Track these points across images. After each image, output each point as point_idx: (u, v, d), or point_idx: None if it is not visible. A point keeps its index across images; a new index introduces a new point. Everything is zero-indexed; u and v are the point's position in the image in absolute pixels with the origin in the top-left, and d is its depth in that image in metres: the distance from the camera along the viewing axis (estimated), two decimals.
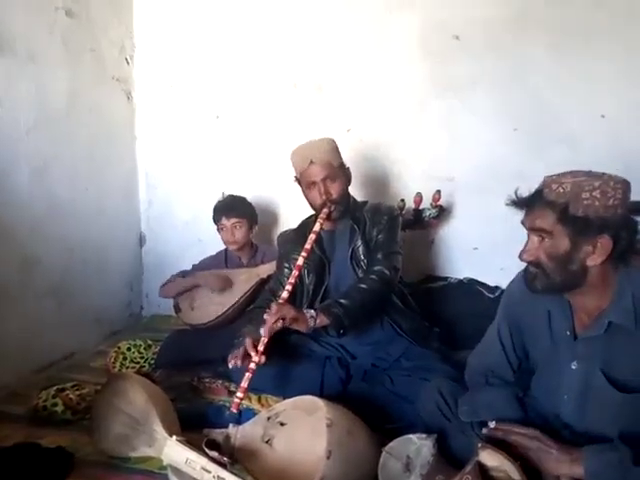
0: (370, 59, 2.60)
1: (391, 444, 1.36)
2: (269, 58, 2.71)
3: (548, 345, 1.29)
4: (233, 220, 2.40)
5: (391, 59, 2.57)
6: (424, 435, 1.33)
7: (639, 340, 1.14)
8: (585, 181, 1.10)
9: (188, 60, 2.82)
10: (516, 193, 1.21)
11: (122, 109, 2.83)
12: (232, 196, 2.50)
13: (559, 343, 1.26)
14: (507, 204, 1.21)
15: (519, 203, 1.20)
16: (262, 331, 1.65)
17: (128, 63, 2.84)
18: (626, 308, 1.14)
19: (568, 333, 1.23)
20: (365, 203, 2.03)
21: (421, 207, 2.40)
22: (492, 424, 1.22)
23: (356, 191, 2.21)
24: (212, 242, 2.52)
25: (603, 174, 1.14)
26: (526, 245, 1.20)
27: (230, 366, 1.65)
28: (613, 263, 1.15)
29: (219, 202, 2.48)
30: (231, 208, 2.42)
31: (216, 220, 2.45)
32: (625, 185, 1.12)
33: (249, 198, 2.52)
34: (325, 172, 1.86)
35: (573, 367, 1.22)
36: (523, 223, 1.21)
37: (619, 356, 1.16)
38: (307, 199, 1.94)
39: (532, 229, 1.18)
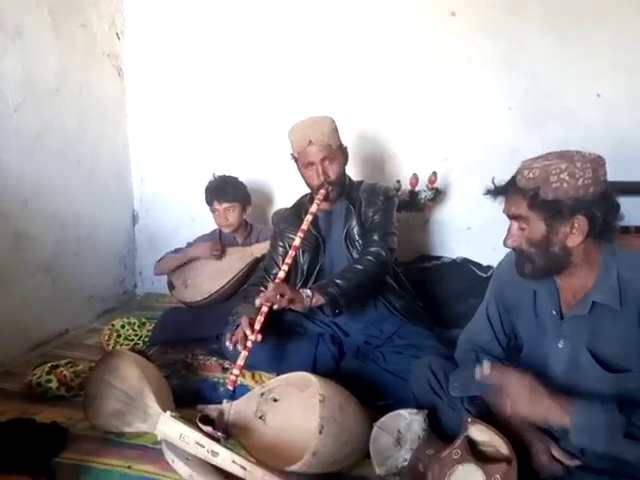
0: (365, 36, 2.56)
1: (382, 419, 1.38)
2: (263, 35, 2.67)
3: (534, 324, 1.31)
4: (225, 204, 2.37)
5: (386, 36, 2.54)
6: (415, 410, 1.36)
7: (623, 319, 1.15)
8: (553, 164, 1.11)
9: (180, 35, 2.77)
10: (493, 181, 1.23)
11: (113, 85, 2.78)
12: (223, 178, 2.44)
13: (545, 322, 1.28)
14: (484, 194, 1.23)
15: (494, 192, 1.21)
16: (257, 301, 1.65)
17: (119, 38, 2.79)
18: (611, 287, 1.15)
19: (554, 312, 1.24)
20: (361, 183, 2.02)
21: (417, 189, 2.40)
22: (486, 365, 1.20)
23: (351, 170, 2.20)
24: (205, 220, 2.51)
25: (575, 154, 1.13)
26: (508, 232, 1.22)
27: (230, 349, 1.65)
28: (595, 241, 1.16)
29: (210, 184, 2.43)
30: (222, 192, 2.37)
31: (208, 203, 2.42)
32: (595, 163, 1.12)
33: (242, 176, 2.49)
34: (324, 153, 1.84)
35: (560, 346, 1.23)
36: (504, 211, 1.22)
37: (604, 335, 1.17)
38: (303, 178, 1.93)
39: (510, 216, 1.20)
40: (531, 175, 1.13)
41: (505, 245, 1.23)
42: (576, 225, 1.12)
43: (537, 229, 1.15)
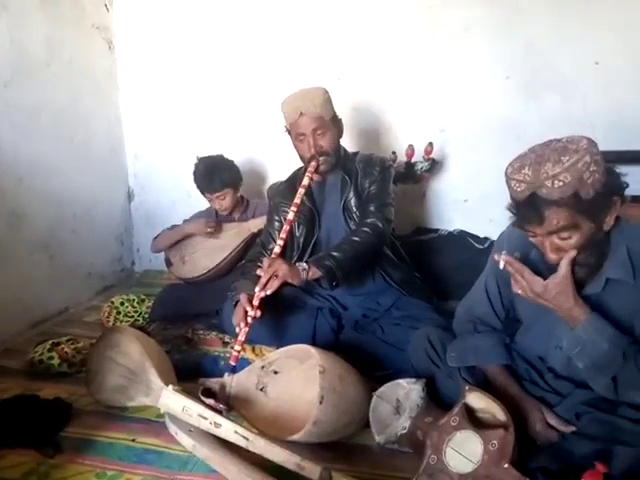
0: (361, 5, 2.51)
1: (381, 389, 1.40)
2: (257, 7, 2.61)
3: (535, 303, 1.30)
4: (216, 194, 2.34)
5: (382, 5, 2.49)
6: (413, 380, 1.38)
7: (636, 292, 1.15)
8: (579, 162, 1.04)
9: (170, 6, 2.71)
10: (510, 209, 1.15)
11: (104, 59, 2.74)
12: (207, 164, 2.34)
13: None
14: (513, 225, 1.17)
15: (525, 221, 1.13)
16: (257, 288, 1.66)
17: (108, 10, 2.73)
18: (622, 262, 1.15)
19: None
20: (356, 154, 2.01)
21: (413, 160, 2.38)
22: (504, 255, 1.19)
23: (346, 142, 2.18)
24: (201, 196, 2.49)
25: (566, 142, 1.09)
26: (548, 249, 1.14)
27: (237, 330, 1.66)
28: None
29: (196, 171, 2.36)
30: (210, 182, 2.31)
31: (201, 192, 2.38)
32: (590, 139, 1.10)
33: (237, 151, 2.47)
34: (315, 125, 1.81)
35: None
36: (530, 231, 1.14)
37: (615, 310, 1.17)
38: (296, 150, 1.91)
39: (552, 232, 1.11)
40: (561, 183, 1.04)
41: (553, 262, 1.15)
42: (612, 207, 1.11)
43: (586, 230, 1.10)
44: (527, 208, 1.10)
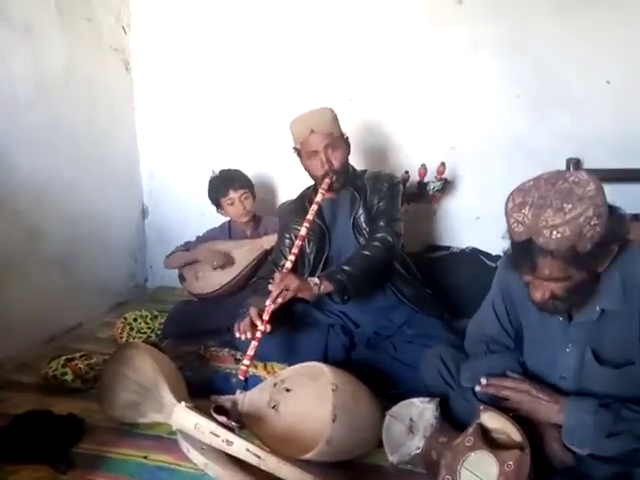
0: (372, 25, 2.55)
1: (394, 408, 1.39)
2: (269, 27, 2.66)
3: (537, 326, 1.29)
4: (240, 191, 2.39)
5: (393, 25, 2.53)
6: (427, 399, 1.37)
7: (626, 314, 1.14)
8: (581, 215, 1.00)
9: (186, 28, 2.77)
10: (507, 253, 1.15)
11: (121, 79, 2.80)
12: (226, 171, 2.45)
13: (551, 326, 1.26)
14: (508, 266, 1.17)
15: (517, 264, 1.13)
16: (268, 302, 1.66)
17: (125, 32, 2.80)
18: (617, 292, 1.14)
19: (561, 319, 1.22)
20: (364, 172, 2.03)
21: (425, 180, 2.39)
22: (484, 380, 1.26)
23: (357, 161, 2.19)
24: (215, 214, 2.52)
25: (572, 183, 1.03)
26: (537, 291, 1.13)
27: (238, 335, 1.67)
28: None
29: (216, 179, 2.43)
30: (235, 180, 2.40)
31: (221, 196, 2.40)
32: (596, 180, 1.04)
33: (250, 169, 2.50)
34: (326, 141, 1.84)
35: (567, 350, 1.23)
36: (523, 274, 1.13)
37: (611, 334, 1.17)
38: (307, 170, 1.93)
39: (542, 279, 1.10)
40: (559, 235, 1.01)
41: (537, 300, 1.14)
42: (609, 255, 1.10)
43: (578, 278, 1.08)
44: (521, 254, 1.09)
